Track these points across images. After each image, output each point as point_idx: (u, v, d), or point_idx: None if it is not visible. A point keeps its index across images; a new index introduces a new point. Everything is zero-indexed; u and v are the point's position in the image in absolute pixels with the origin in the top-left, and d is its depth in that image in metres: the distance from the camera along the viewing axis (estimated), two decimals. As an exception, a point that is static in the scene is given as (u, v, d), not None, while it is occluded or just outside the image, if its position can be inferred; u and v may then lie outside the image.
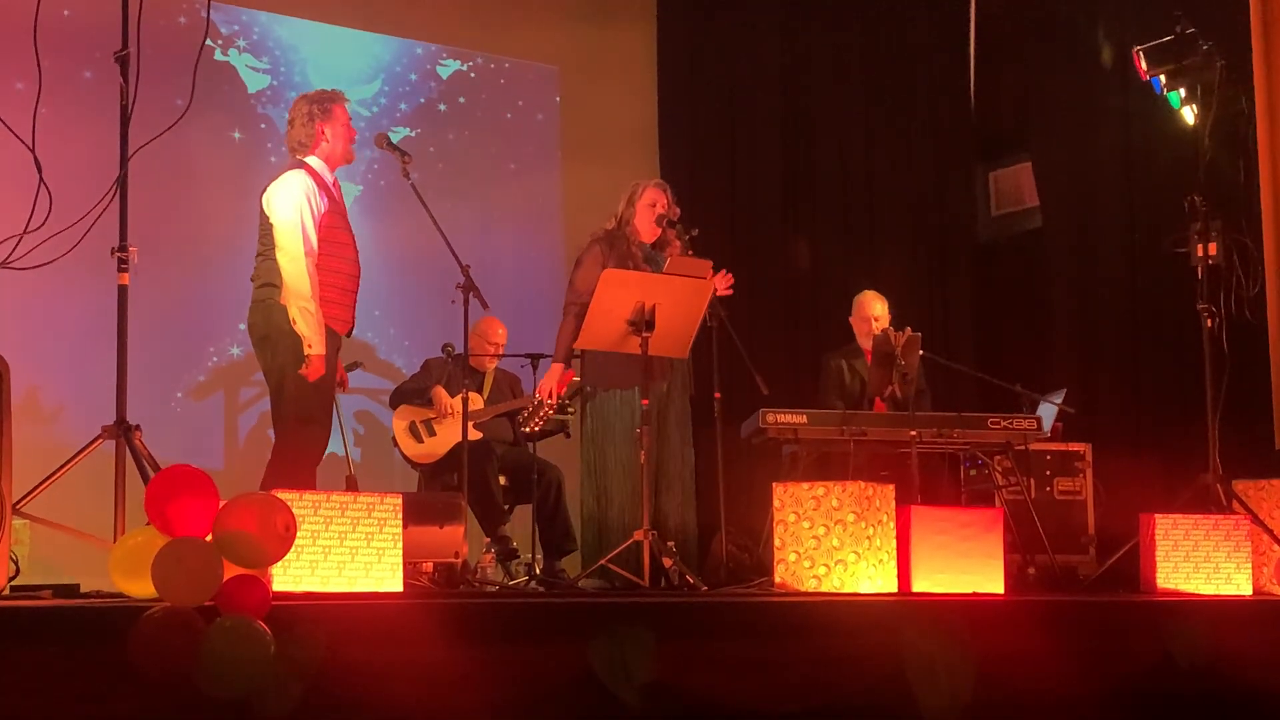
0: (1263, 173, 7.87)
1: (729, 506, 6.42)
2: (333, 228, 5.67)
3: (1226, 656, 4.45)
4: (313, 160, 5.73)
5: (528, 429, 6.87)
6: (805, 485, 5.12)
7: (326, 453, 5.74)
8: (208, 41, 5.16)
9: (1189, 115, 6.33)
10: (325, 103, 5.79)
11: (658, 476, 6.24)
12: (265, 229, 5.64)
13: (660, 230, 6.47)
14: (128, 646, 2.89)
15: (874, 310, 7.59)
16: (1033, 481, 7.39)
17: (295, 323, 5.49)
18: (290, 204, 5.57)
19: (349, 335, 5.89)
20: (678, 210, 6.51)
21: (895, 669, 3.92)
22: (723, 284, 6.32)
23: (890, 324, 7.32)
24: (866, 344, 7.49)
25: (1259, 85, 7.91)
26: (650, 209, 6.46)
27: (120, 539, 3.80)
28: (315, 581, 3.91)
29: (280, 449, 5.63)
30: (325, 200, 5.66)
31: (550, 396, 6.50)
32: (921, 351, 6.77)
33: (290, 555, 3.49)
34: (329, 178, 5.77)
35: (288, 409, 5.61)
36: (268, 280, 5.62)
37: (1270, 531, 5.69)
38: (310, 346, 5.49)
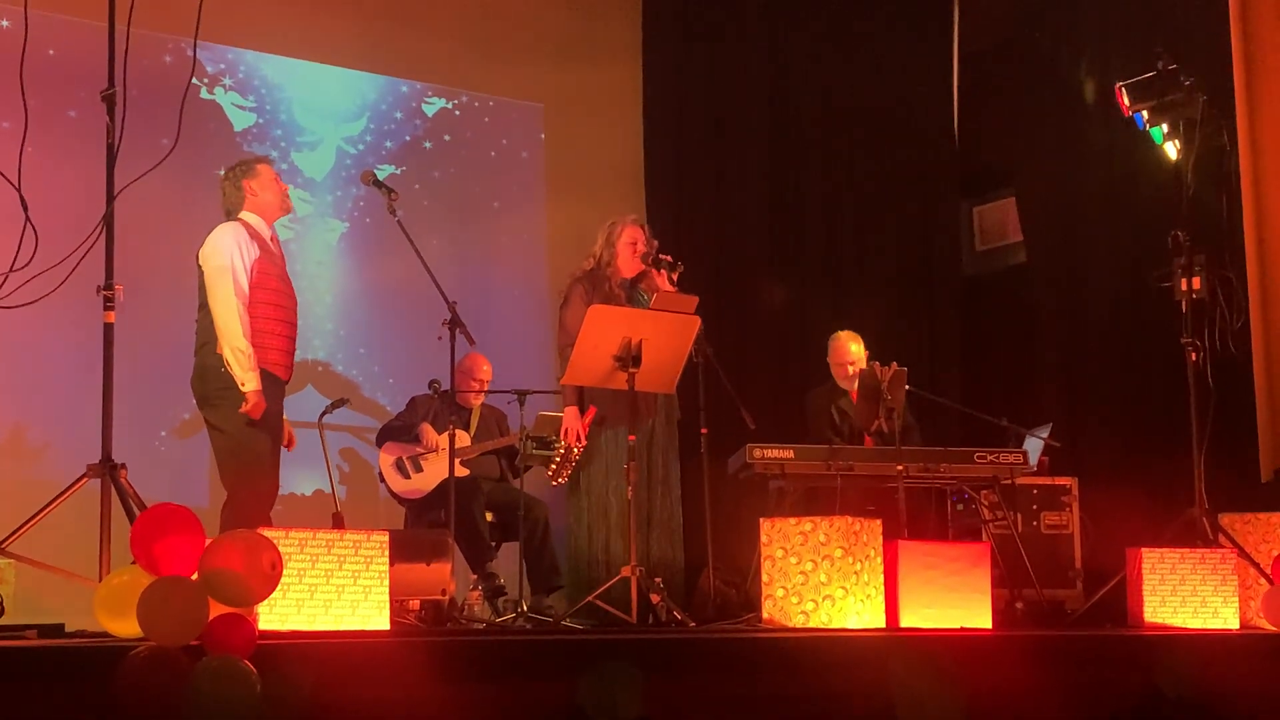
0: (1246, 207, 7.90)
1: (716, 542, 6.41)
2: (265, 274, 5.73)
3: (1214, 690, 4.45)
4: (247, 215, 5.83)
5: (558, 481, 6.55)
6: (792, 520, 5.12)
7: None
8: (193, 80, 5.16)
9: (1172, 150, 6.36)
10: (249, 164, 5.95)
11: (645, 513, 6.24)
12: (202, 282, 5.73)
13: (641, 266, 6.49)
14: (113, 686, 2.88)
15: (849, 352, 7.58)
16: (1019, 516, 7.39)
17: (229, 365, 5.53)
18: (221, 251, 5.66)
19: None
20: (656, 243, 6.54)
21: (883, 704, 3.91)
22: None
23: (870, 359, 7.30)
24: (845, 385, 7.51)
25: (1241, 120, 7.95)
26: (631, 247, 6.49)
27: (105, 578, 3.78)
28: (301, 620, 3.89)
29: (235, 502, 5.63)
30: (257, 248, 5.73)
31: (578, 441, 6.39)
32: (907, 386, 6.78)
33: (276, 593, 3.48)
34: (266, 231, 5.87)
35: (241, 459, 5.63)
36: (204, 338, 5.71)
37: (1257, 565, 5.70)
38: (244, 384, 5.51)
